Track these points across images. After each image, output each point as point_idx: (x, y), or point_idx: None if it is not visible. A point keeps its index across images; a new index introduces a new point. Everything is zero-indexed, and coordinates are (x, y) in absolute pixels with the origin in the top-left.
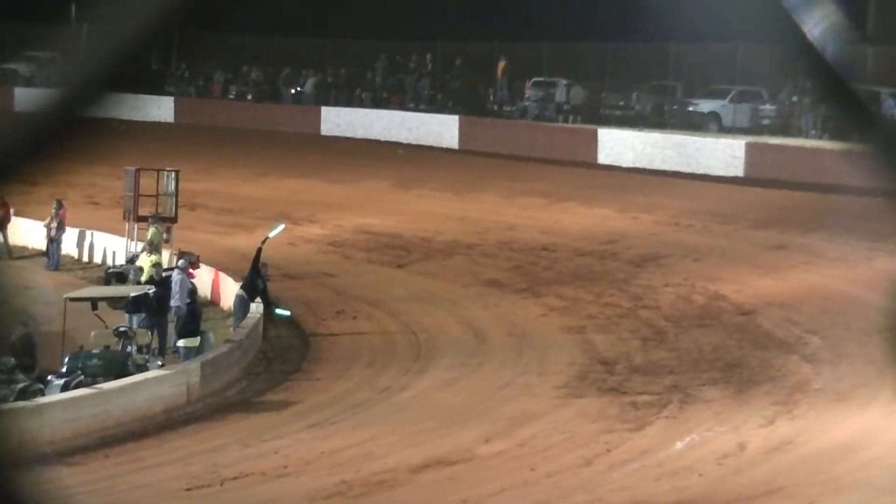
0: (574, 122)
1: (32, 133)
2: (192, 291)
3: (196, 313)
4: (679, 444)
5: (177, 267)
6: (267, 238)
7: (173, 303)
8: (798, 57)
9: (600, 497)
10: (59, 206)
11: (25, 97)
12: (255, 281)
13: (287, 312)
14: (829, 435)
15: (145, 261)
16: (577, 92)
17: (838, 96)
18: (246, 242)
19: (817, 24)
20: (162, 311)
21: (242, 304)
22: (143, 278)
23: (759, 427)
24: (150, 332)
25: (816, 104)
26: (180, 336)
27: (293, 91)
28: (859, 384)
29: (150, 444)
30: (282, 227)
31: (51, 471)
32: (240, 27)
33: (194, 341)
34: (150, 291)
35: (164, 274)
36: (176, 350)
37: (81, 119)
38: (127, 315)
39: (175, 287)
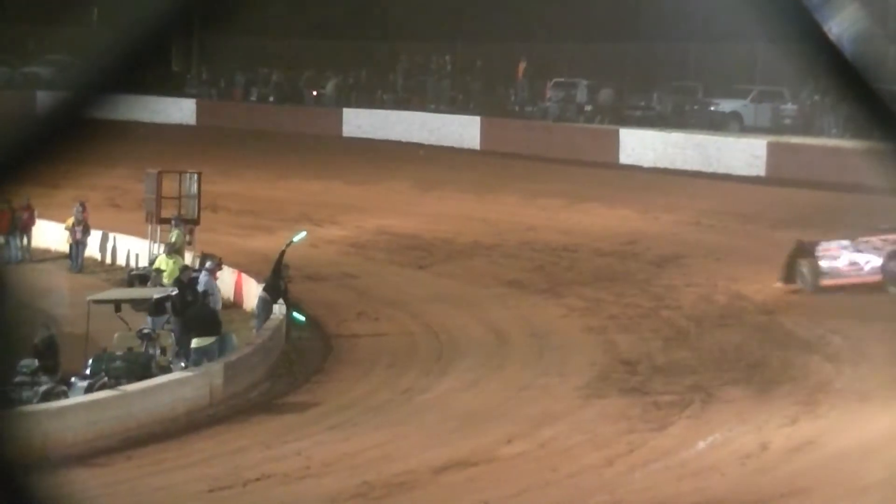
0: (601, 122)
1: (47, 135)
2: (205, 293)
3: (210, 314)
4: (701, 444)
5: (205, 269)
6: (291, 242)
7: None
8: (819, 56)
9: (622, 498)
10: (83, 208)
11: (47, 101)
12: (277, 283)
13: (302, 318)
14: (851, 435)
15: (164, 262)
16: (605, 93)
17: (859, 96)
18: (267, 244)
19: (838, 24)
20: (183, 313)
21: (265, 306)
22: (167, 281)
23: (781, 427)
24: (173, 334)
25: (837, 104)
26: (192, 336)
27: (314, 93)
28: (881, 384)
29: (173, 445)
30: (304, 234)
31: (73, 473)
32: (260, 29)
33: (207, 341)
34: (173, 293)
35: (192, 276)
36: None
37: (96, 121)
38: (149, 317)
39: (203, 288)
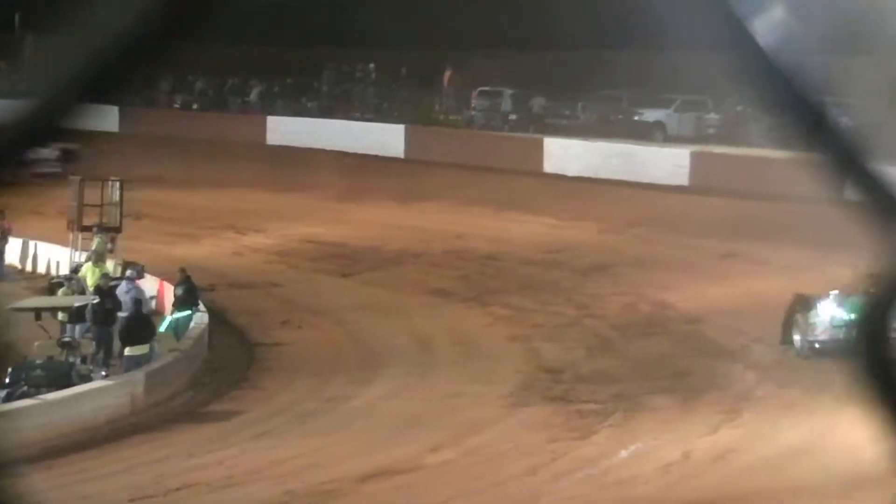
0: (531, 131)
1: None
2: (139, 300)
3: (144, 322)
4: (624, 453)
5: (126, 277)
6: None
7: (122, 313)
8: (749, 64)
9: None
10: (3, 216)
11: None
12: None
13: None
14: (773, 443)
15: (89, 270)
16: (537, 101)
17: (788, 105)
18: (191, 252)
19: (770, 32)
20: (108, 321)
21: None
22: (90, 288)
23: (705, 435)
24: (94, 343)
25: (764, 113)
26: (125, 344)
27: (240, 101)
28: (803, 392)
29: (94, 454)
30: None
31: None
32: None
33: (142, 349)
34: (94, 301)
35: (111, 284)
36: (122, 360)
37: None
38: (69, 325)
39: (123, 297)
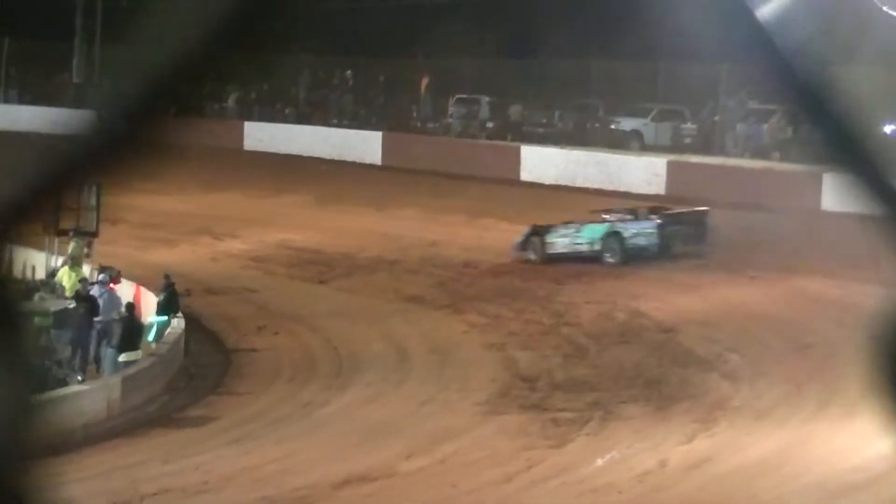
0: (508, 139)
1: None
2: (131, 305)
3: (136, 327)
4: (600, 461)
5: (97, 282)
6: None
7: (101, 318)
8: (777, 76)
9: None
10: None
11: None
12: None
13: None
14: (748, 452)
15: (66, 275)
16: (514, 109)
17: (818, 117)
18: (167, 258)
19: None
20: (85, 325)
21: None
22: (67, 293)
23: (679, 444)
24: (69, 347)
25: (797, 124)
26: (121, 350)
27: (217, 106)
28: (778, 402)
29: (69, 459)
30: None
31: None
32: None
33: (136, 355)
34: (71, 306)
35: (89, 288)
36: (103, 364)
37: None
38: (51, 330)
39: (101, 302)
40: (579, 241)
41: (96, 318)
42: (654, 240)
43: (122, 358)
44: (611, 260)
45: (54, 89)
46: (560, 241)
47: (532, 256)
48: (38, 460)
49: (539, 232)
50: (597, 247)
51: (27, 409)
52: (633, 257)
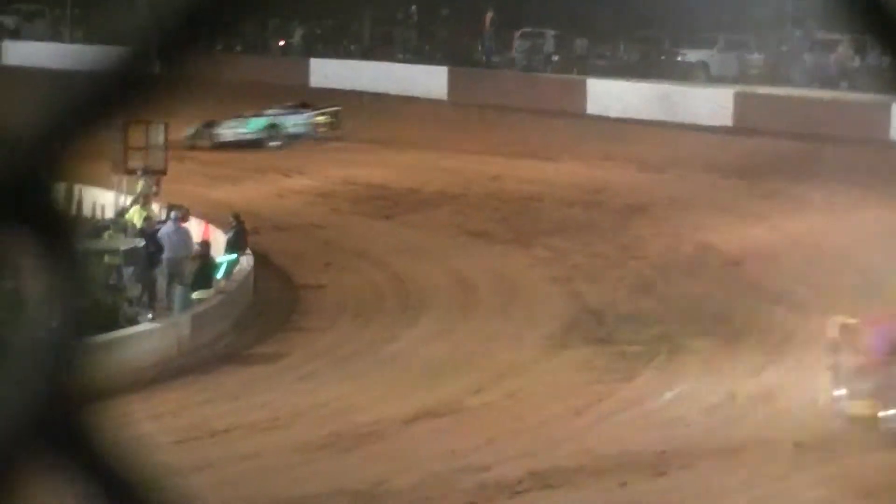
0: (568, 72)
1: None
2: (207, 243)
3: (210, 266)
4: (668, 395)
5: (169, 219)
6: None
7: (165, 255)
8: (845, 1)
9: (589, 447)
10: None
11: (14, 50)
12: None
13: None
14: (816, 386)
15: (136, 213)
16: (580, 43)
17: (888, 44)
18: (232, 195)
19: None
20: (152, 263)
21: None
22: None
23: (747, 377)
24: (139, 285)
25: (864, 53)
26: (195, 288)
27: (281, 43)
28: None
29: (140, 397)
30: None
31: None
32: None
33: (209, 293)
34: (140, 244)
35: (156, 227)
36: (169, 302)
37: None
38: (120, 268)
39: (165, 240)
40: (244, 130)
41: (166, 256)
42: (304, 129)
43: (194, 295)
44: (272, 144)
45: (118, 27)
46: (228, 132)
47: (205, 143)
48: (101, 400)
49: (210, 124)
50: (261, 136)
51: (87, 348)
52: (289, 142)
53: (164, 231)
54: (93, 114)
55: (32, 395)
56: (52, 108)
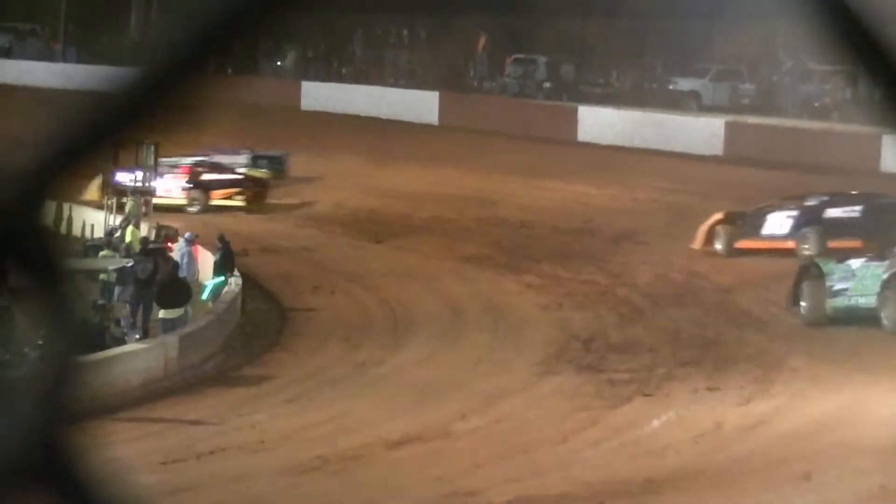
0: (560, 99)
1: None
2: (175, 263)
3: (180, 286)
4: (656, 423)
5: (184, 239)
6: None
7: (181, 274)
8: (837, 34)
9: (576, 475)
10: None
11: (6, 69)
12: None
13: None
14: (804, 414)
15: (130, 233)
16: (566, 69)
17: (879, 76)
18: (224, 216)
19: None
20: (148, 284)
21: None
22: (135, 250)
23: (736, 406)
24: (128, 305)
25: (856, 85)
26: (161, 307)
27: (276, 63)
28: (833, 364)
29: (126, 418)
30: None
31: None
32: None
33: (177, 312)
34: (129, 265)
35: (150, 247)
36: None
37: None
38: (114, 287)
39: (181, 260)
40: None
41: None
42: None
43: (161, 314)
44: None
45: (112, 47)
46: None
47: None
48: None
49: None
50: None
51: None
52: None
53: (180, 252)
54: (87, 136)
55: (23, 415)
56: (46, 129)
